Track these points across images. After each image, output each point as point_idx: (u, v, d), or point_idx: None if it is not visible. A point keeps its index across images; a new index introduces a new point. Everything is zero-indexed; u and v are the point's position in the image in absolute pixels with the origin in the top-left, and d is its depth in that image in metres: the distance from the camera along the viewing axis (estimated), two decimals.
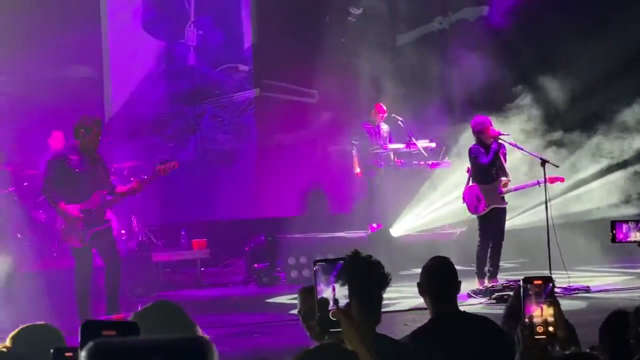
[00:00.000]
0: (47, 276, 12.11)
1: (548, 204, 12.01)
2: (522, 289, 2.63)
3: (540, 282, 2.62)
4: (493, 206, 12.06)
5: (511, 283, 11.56)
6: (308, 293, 4.93)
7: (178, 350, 1.42)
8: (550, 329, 2.59)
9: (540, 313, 2.61)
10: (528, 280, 2.63)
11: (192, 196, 15.55)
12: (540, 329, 2.59)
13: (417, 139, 15.32)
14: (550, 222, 11.90)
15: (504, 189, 12.11)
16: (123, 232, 13.83)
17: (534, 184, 12.49)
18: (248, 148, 17.12)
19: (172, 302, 3.77)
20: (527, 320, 2.62)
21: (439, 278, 5.06)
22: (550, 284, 2.62)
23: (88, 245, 10.11)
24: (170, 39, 16.31)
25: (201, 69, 16.74)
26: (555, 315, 2.60)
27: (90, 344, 1.41)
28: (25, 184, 13.93)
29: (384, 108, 15.59)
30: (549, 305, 2.61)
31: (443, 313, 5.01)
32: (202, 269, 14.79)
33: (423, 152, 15.28)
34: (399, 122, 15.57)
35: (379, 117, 15.58)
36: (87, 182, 9.97)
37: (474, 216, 12.50)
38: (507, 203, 12.35)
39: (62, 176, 9.94)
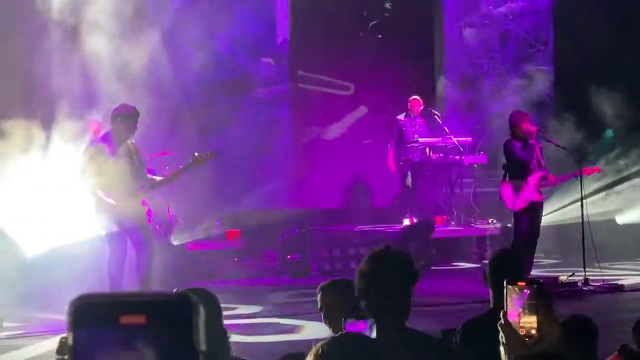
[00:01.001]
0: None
1: (583, 201, 11.98)
2: (505, 291, 2.61)
3: (523, 284, 2.60)
4: (530, 201, 11.98)
5: (545, 279, 11.50)
6: (327, 289, 4.97)
7: (163, 307, 1.42)
8: (533, 332, 2.57)
9: (523, 315, 2.59)
10: (511, 282, 2.61)
11: (227, 186, 15.56)
12: (522, 332, 2.57)
13: (452, 134, 15.25)
14: (585, 218, 11.88)
15: (541, 183, 12.03)
16: (158, 220, 13.85)
17: (570, 176, 12.39)
18: (283, 140, 17.10)
19: (206, 290, 3.81)
20: (510, 321, 2.60)
21: (503, 270, 5.02)
22: (535, 286, 2.59)
23: (122, 233, 10.15)
24: (206, 29, 16.29)
25: (237, 60, 16.73)
26: (539, 318, 2.58)
27: (74, 298, 1.42)
28: None
29: (420, 101, 15.53)
30: (532, 308, 2.59)
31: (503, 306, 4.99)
32: (236, 259, 14.81)
33: (459, 146, 15.20)
34: (435, 116, 15.50)
35: (415, 111, 15.51)
36: (122, 170, 9.99)
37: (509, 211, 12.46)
38: (544, 197, 12.28)
39: (98, 164, 9.95)
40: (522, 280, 2.60)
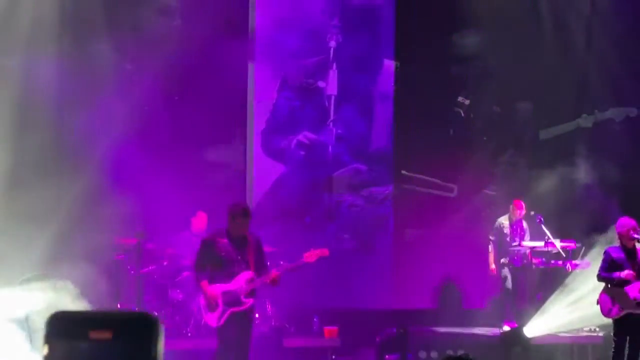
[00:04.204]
0: (181, 356, 12.34)
1: None
2: None
3: None
4: (627, 311, 11.71)
5: None
6: None
7: (127, 323, 1.51)
8: None
9: None
10: None
11: (326, 283, 15.62)
12: None
13: (555, 239, 15.06)
14: None
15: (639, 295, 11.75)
16: (257, 315, 13.91)
17: None
18: (385, 238, 17.11)
19: None
20: None
21: None
22: None
23: (227, 325, 10.35)
24: (312, 130, 16.57)
25: (341, 159, 16.91)
26: None
27: (51, 314, 1.52)
28: (165, 263, 14.20)
29: (523, 205, 15.46)
30: None
31: None
32: (333, 356, 14.76)
33: (561, 252, 14.97)
34: (537, 221, 15.33)
35: (517, 214, 15.46)
36: (231, 266, 10.26)
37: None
38: None
39: (209, 258, 10.32)
40: None
